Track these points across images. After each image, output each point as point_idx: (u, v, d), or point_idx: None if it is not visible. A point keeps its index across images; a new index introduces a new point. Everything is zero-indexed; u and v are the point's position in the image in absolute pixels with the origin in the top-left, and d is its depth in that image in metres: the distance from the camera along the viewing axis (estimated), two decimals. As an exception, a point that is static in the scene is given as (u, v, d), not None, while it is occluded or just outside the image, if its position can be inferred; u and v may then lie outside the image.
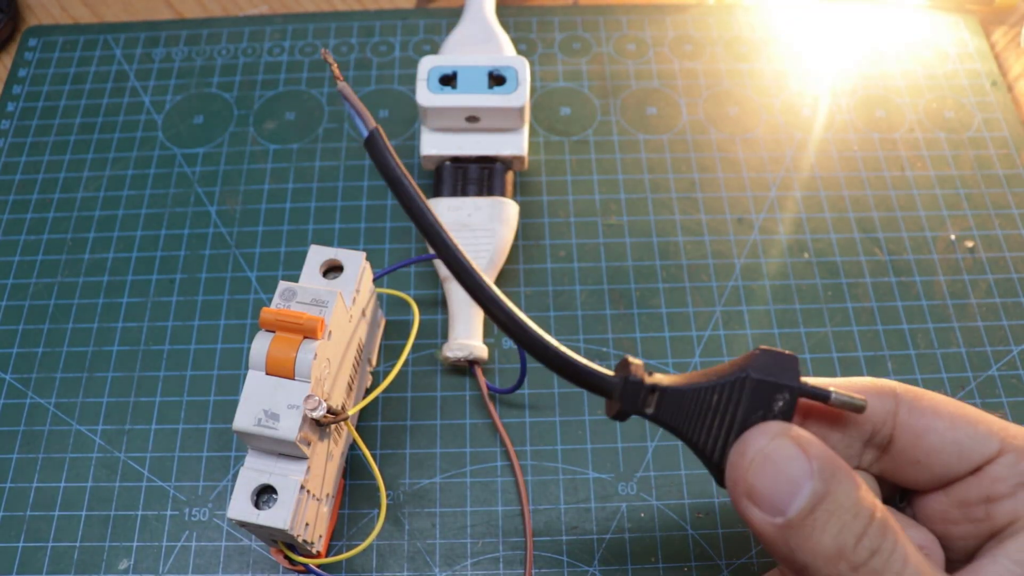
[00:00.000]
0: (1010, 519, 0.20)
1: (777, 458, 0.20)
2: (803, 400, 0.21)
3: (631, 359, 0.22)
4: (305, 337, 0.28)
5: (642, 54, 0.47)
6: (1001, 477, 0.21)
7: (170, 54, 0.47)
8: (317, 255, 0.32)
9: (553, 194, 0.42)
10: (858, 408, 0.21)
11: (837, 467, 0.20)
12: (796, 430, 0.20)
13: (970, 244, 0.40)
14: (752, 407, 0.21)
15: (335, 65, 0.22)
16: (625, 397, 0.22)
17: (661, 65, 0.46)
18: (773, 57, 0.46)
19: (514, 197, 0.39)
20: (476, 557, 0.33)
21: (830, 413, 0.22)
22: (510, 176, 0.39)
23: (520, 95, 0.37)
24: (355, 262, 0.32)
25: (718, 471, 0.22)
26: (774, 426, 0.20)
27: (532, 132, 0.44)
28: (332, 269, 0.32)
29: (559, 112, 0.45)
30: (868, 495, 0.20)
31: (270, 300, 0.34)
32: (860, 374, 0.36)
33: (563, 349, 0.21)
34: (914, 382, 0.36)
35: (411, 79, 0.46)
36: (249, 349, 0.30)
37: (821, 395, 0.21)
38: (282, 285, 0.30)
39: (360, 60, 0.47)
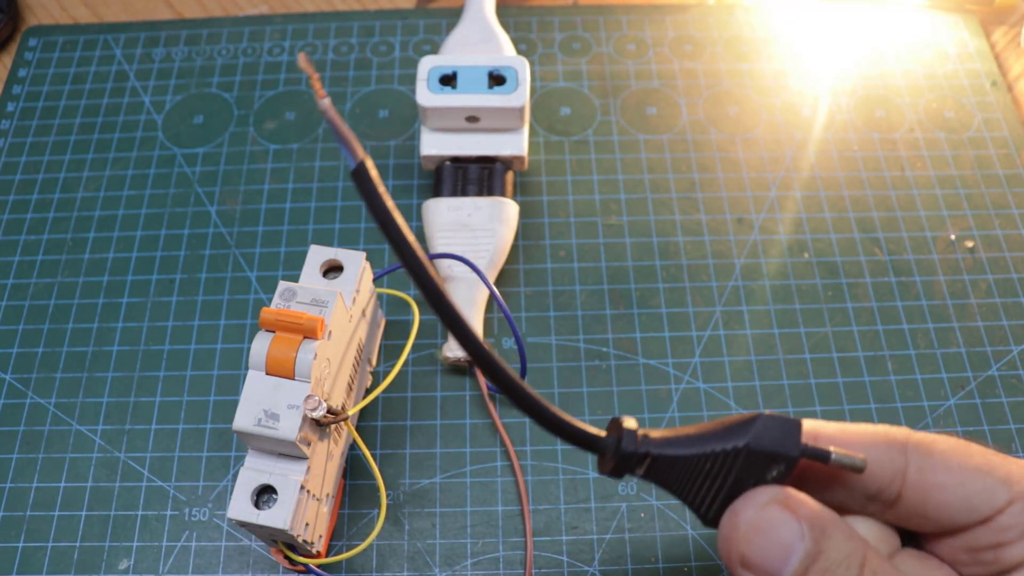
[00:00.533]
0: (1019, 561, 0.21)
1: (768, 526, 0.20)
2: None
3: (624, 420, 0.22)
4: (305, 337, 0.28)
5: (642, 54, 0.47)
6: (1010, 526, 0.21)
7: (170, 54, 0.47)
8: (317, 255, 0.32)
9: (553, 194, 0.42)
10: (857, 469, 0.21)
11: (827, 523, 0.20)
12: (787, 492, 0.21)
13: (970, 244, 0.40)
14: (746, 474, 0.21)
15: (316, 78, 0.18)
16: (618, 463, 0.21)
17: (661, 65, 0.46)
18: (773, 57, 0.47)
19: (514, 197, 0.39)
20: (476, 557, 0.33)
21: (831, 471, 0.22)
22: (510, 176, 0.39)
23: (520, 95, 0.37)
24: (355, 262, 0.32)
25: (711, 523, 0.22)
26: (764, 494, 0.21)
27: (532, 132, 0.44)
28: (332, 269, 0.32)
29: (559, 112, 0.45)
30: (859, 546, 0.20)
31: (270, 300, 0.34)
32: (860, 375, 0.36)
33: (555, 410, 0.20)
34: (914, 382, 0.36)
35: (411, 79, 0.46)
36: (249, 349, 0.30)
37: (820, 456, 0.21)
38: (282, 285, 0.30)
39: (360, 60, 0.47)
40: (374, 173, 0.19)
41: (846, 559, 0.20)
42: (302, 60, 0.19)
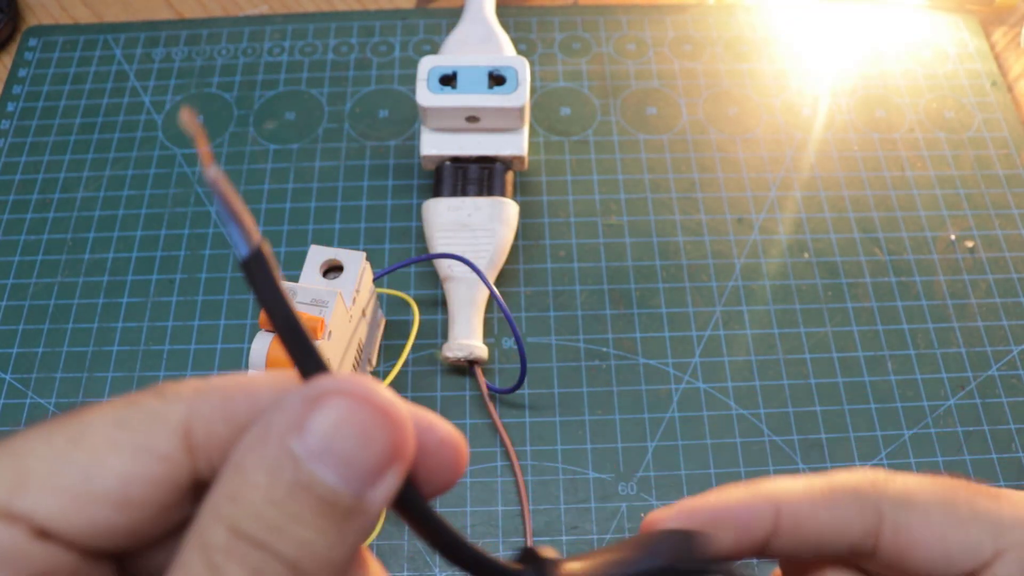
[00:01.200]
0: None
1: None
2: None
3: (539, 550, 0.19)
4: (305, 337, 0.28)
5: (642, 54, 0.47)
6: None
7: (170, 54, 0.47)
8: (317, 255, 0.32)
9: (553, 194, 0.42)
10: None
11: None
12: None
13: (970, 244, 0.40)
14: None
15: (204, 145, 0.14)
16: None
17: (661, 65, 0.46)
18: (773, 57, 0.47)
19: (514, 197, 0.39)
20: (476, 557, 0.33)
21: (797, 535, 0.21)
22: (510, 176, 0.39)
23: (520, 95, 0.37)
24: (355, 262, 0.32)
25: None
26: None
27: (532, 132, 0.44)
28: (332, 269, 0.32)
29: (559, 112, 0.45)
30: None
31: (270, 300, 0.34)
32: (860, 375, 0.36)
33: (469, 544, 0.17)
34: (914, 383, 0.36)
35: (411, 79, 0.46)
36: (249, 349, 0.30)
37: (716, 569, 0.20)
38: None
39: (360, 60, 0.47)
40: (270, 260, 0.15)
41: None
42: (185, 117, 0.14)
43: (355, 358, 0.33)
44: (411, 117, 0.44)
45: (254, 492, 0.13)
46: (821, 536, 0.20)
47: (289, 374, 0.15)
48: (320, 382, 0.14)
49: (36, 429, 0.14)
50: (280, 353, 0.27)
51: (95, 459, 0.13)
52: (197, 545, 0.13)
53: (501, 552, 0.33)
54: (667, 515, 0.20)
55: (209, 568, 0.13)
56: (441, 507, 0.34)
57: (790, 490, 0.20)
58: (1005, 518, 0.19)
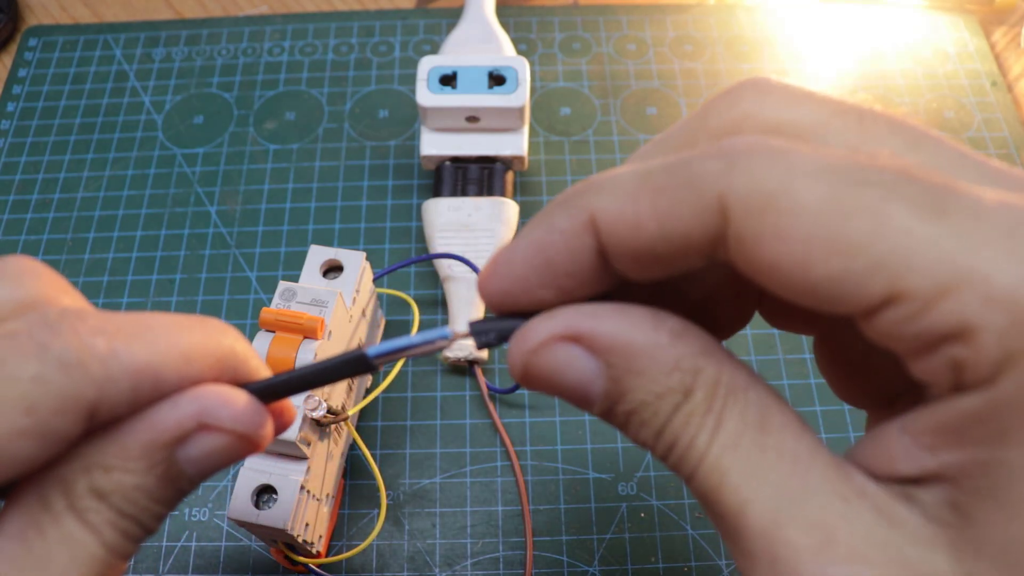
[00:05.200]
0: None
1: (554, 368, 0.16)
2: None
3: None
4: (305, 337, 0.28)
5: (642, 54, 0.47)
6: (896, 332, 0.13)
7: (170, 54, 0.47)
8: (317, 255, 0.32)
9: (553, 194, 0.42)
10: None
11: (633, 354, 0.15)
12: (577, 322, 0.16)
13: (970, 244, 0.40)
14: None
15: None
16: None
17: (661, 65, 0.46)
18: (773, 57, 0.47)
19: (514, 197, 0.39)
20: (476, 557, 0.33)
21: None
22: (510, 176, 0.39)
23: (520, 95, 0.37)
24: (355, 262, 0.32)
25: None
26: (544, 327, 0.16)
27: (532, 132, 0.44)
28: (332, 269, 0.32)
29: (559, 112, 0.45)
30: (684, 378, 0.15)
31: (270, 300, 0.34)
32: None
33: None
34: (914, 382, 0.36)
35: (411, 79, 0.46)
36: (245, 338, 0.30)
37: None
38: (282, 285, 0.30)
39: (360, 60, 0.47)
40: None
41: (666, 392, 0.15)
42: None
43: (355, 358, 0.33)
44: (411, 117, 0.44)
45: (129, 477, 0.16)
46: (652, 245, 0.14)
47: (190, 367, 0.17)
48: (216, 410, 0.16)
49: None
50: (280, 353, 0.27)
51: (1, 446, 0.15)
52: (60, 490, 0.15)
53: (501, 552, 0.33)
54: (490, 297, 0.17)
55: (73, 512, 0.15)
56: (441, 507, 0.34)
57: (613, 189, 0.15)
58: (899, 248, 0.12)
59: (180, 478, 0.16)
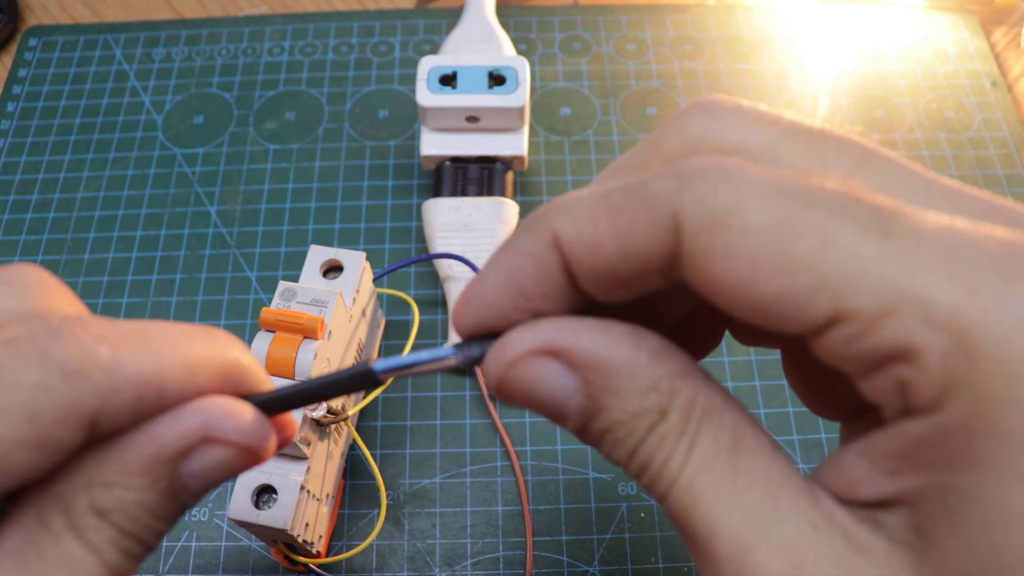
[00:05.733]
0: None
1: (530, 382, 0.16)
2: None
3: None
4: (305, 337, 0.28)
5: (642, 54, 0.47)
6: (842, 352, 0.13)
7: (170, 54, 0.47)
8: (317, 255, 0.32)
9: (553, 194, 0.42)
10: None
11: (611, 372, 0.15)
12: (554, 336, 0.16)
13: (970, 244, 0.40)
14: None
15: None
16: None
17: (661, 65, 0.46)
18: (773, 57, 0.46)
19: (514, 197, 0.39)
20: (476, 557, 0.33)
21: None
22: (510, 176, 0.39)
23: (520, 95, 0.37)
24: (355, 262, 0.32)
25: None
26: (522, 340, 0.16)
27: (532, 132, 0.44)
28: (332, 269, 0.32)
29: (559, 112, 0.45)
30: (659, 399, 0.15)
31: (270, 300, 0.34)
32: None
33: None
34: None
35: (411, 79, 0.46)
36: (249, 349, 0.30)
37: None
38: (282, 285, 0.30)
39: (360, 60, 0.47)
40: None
41: (632, 416, 0.15)
42: None
43: (355, 358, 0.33)
44: (411, 117, 0.44)
45: (130, 494, 0.15)
46: (611, 263, 0.14)
47: (196, 378, 0.16)
48: (220, 422, 0.16)
49: None
50: (280, 353, 0.27)
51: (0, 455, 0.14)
52: (60, 508, 0.15)
53: (501, 552, 0.33)
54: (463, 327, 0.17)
55: (73, 532, 0.15)
56: (441, 507, 0.34)
57: (568, 209, 0.15)
58: (843, 271, 0.12)
59: (182, 493, 0.16)
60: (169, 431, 0.16)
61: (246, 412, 0.16)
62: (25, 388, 0.14)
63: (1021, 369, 0.11)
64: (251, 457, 0.17)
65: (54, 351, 0.14)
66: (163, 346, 0.16)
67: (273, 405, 0.17)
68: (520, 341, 0.15)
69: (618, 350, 0.15)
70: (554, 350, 0.15)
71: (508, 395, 0.16)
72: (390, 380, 0.17)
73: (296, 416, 0.27)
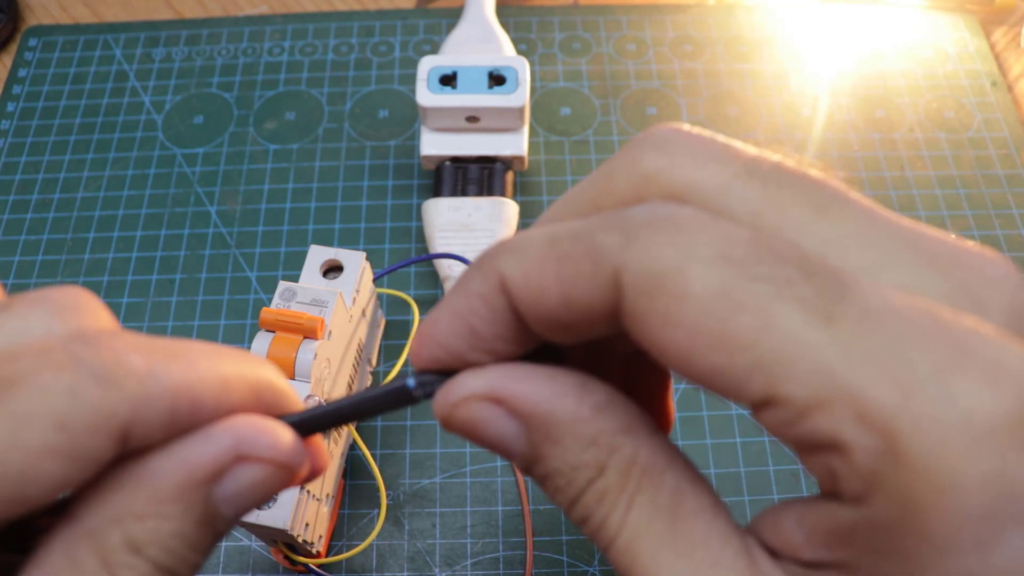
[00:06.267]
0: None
1: (476, 423, 0.16)
2: None
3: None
4: (305, 337, 0.28)
5: (642, 54, 0.47)
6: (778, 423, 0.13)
7: (170, 54, 0.47)
8: (317, 255, 0.32)
9: (553, 194, 0.42)
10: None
11: (553, 424, 0.15)
12: (500, 383, 0.16)
13: (970, 244, 0.40)
14: None
15: None
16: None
17: (661, 65, 0.46)
18: (773, 57, 0.47)
19: (514, 197, 0.39)
20: (476, 557, 0.33)
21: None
22: (510, 176, 0.39)
23: (520, 95, 0.37)
24: (355, 262, 0.32)
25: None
26: (469, 385, 0.16)
27: (532, 132, 0.44)
28: (332, 269, 0.32)
29: (559, 112, 0.45)
30: (600, 454, 0.15)
31: (270, 300, 0.34)
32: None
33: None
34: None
35: (411, 79, 0.46)
36: (249, 349, 0.30)
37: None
38: (282, 285, 0.30)
39: (360, 60, 0.47)
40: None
41: (582, 466, 0.15)
42: None
43: (355, 358, 0.33)
44: (411, 117, 0.44)
45: (166, 524, 0.14)
46: (554, 312, 0.14)
47: (233, 391, 0.16)
48: (254, 439, 0.15)
49: None
50: (280, 353, 0.27)
51: (29, 465, 0.13)
52: (91, 546, 0.14)
53: (501, 552, 0.33)
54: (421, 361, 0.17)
55: (107, 573, 0.14)
56: (441, 507, 0.34)
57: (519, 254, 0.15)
58: (785, 352, 0.12)
59: (216, 520, 0.15)
60: (201, 451, 0.15)
61: (279, 429, 0.16)
62: (56, 394, 0.13)
63: (948, 480, 0.11)
64: (286, 476, 0.16)
65: (87, 357, 0.14)
66: (197, 359, 0.15)
67: (304, 425, 0.17)
68: (464, 386, 0.15)
69: (560, 402, 0.15)
70: (498, 398, 0.15)
71: (453, 431, 0.16)
72: (422, 398, 0.16)
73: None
